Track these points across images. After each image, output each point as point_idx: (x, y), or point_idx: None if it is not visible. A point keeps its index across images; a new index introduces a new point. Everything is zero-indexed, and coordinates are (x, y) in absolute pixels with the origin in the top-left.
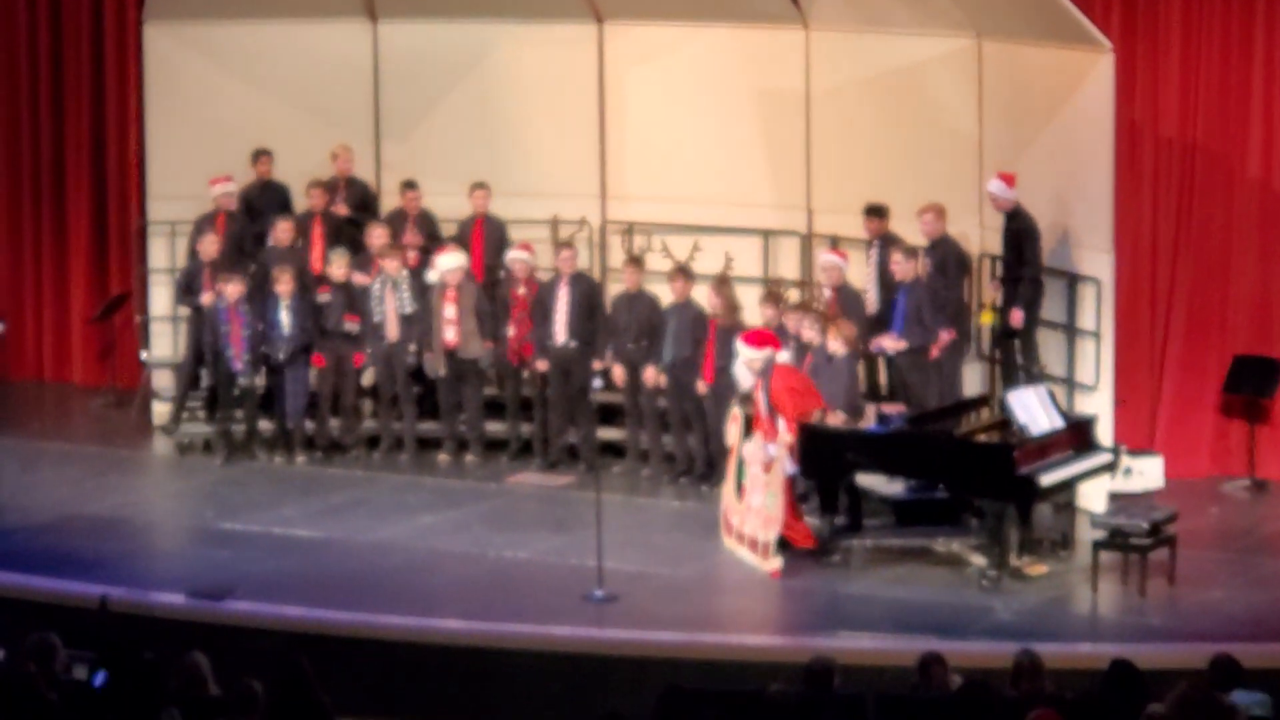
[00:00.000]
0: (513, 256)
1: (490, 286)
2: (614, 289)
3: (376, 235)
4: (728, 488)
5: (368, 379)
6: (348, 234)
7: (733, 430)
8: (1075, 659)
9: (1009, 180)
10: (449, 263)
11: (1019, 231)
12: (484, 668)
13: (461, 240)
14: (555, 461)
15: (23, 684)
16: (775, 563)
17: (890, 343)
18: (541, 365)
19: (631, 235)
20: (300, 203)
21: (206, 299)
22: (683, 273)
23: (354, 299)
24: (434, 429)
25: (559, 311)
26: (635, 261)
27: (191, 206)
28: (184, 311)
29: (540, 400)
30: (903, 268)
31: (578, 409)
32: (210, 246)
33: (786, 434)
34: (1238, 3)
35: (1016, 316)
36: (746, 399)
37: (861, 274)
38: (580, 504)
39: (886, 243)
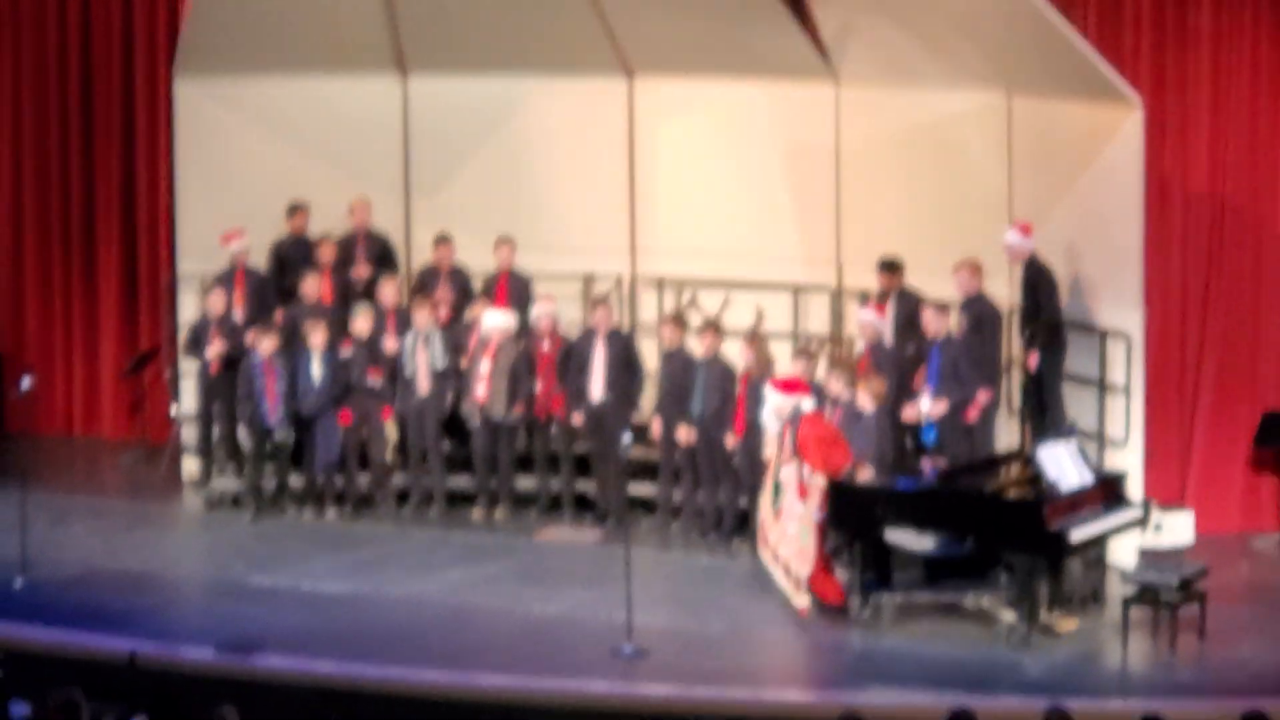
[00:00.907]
0: (539, 313)
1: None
2: (643, 343)
3: (386, 293)
4: (765, 500)
5: (392, 433)
6: (369, 289)
7: (772, 444)
8: (1105, 715)
9: (1025, 229)
10: (495, 320)
11: (1034, 278)
12: None
13: (486, 295)
14: (605, 513)
15: None
16: (805, 600)
17: (930, 407)
18: (577, 419)
19: (662, 290)
20: None
21: (211, 352)
22: (712, 327)
23: (377, 354)
24: (464, 484)
25: (595, 368)
26: (677, 320)
27: (222, 261)
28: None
29: (569, 456)
30: (935, 324)
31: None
32: (217, 302)
33: (814, 479)
34: (1266, 56)
35: (1032, 360)
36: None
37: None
38: (610, 559)
39: (902, 297)
